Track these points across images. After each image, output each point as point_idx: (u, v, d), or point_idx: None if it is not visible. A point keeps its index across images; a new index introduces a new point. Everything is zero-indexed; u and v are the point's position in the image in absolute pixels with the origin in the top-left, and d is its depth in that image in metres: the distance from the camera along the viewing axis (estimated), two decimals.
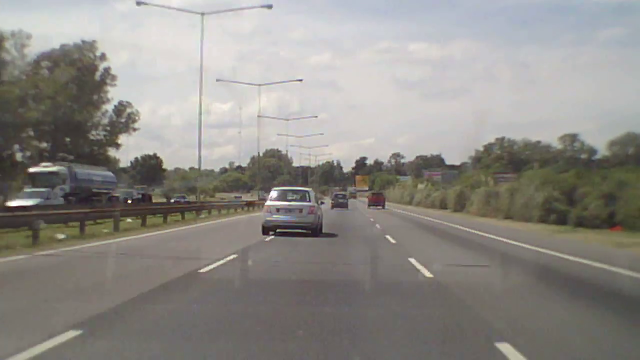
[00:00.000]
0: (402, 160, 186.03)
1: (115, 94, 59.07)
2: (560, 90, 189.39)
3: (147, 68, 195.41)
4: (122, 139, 59.60)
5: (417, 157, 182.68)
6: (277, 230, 19.47)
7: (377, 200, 60.92)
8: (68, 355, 5.06)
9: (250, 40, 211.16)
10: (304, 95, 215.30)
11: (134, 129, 59.35)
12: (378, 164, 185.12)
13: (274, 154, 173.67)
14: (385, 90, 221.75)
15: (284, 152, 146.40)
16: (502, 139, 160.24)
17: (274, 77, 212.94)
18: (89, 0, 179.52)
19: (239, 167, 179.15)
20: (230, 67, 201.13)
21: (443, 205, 46.61)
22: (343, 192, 70.86)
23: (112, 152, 59.44)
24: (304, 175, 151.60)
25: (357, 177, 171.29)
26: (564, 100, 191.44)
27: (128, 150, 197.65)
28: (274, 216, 19.53)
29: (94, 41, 57.38)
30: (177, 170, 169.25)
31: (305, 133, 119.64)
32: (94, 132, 58.44)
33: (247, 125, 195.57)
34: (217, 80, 59.83)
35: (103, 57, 57.80)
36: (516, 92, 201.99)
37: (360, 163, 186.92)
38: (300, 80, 57.66)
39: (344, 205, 52.39)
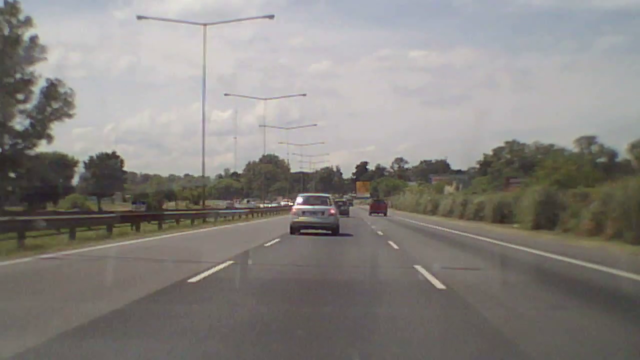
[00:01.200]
0: (406, 166, 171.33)
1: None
2: (560, 97, 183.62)
3: (146, 75, 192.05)
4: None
5: (422, 162, 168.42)
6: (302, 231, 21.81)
7: (378, 208, 61.55)
8: None
9: (249, 48, 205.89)
10: (304, 102, 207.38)
11: (69, 116, 43.17)
12: (380, 170, 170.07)
13: (270, 159, 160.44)
14: (385, 98, 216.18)
15: (281, 157, 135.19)
16: (512, 142, 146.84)
17: (273, 84, 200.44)
18: (87, 8, 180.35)
19: (235, 173, 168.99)
20: (230, 74, 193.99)
21: (497, 218, 30.30)
22: (343, 200, 70.81)
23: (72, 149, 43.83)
24: (300, 181, 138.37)
25: (358, 184, 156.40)
26: (564, 107, 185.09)
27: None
28: (300, 218, 22.45)
29: (15, 2, 41.93)
30: (174, 175, 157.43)
31: (306, 141, 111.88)
32: (19, 121, 42.86)
33: (246, 134, 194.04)
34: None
35: (28, 22, 42.40)
36: (516, 99, 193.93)
37: (362, 168, 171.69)
38: (272, 16, 41.38)
39: (345, 213, 49.88)
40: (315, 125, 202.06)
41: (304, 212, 22.29)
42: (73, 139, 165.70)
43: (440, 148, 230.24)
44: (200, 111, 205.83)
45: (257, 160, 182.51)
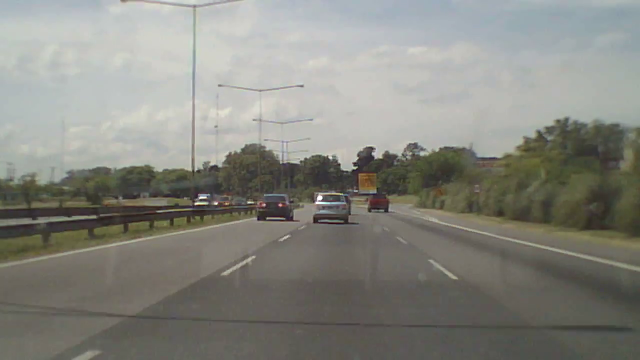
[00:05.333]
0: (421, 153, 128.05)
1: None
2: (560, 94, 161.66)
3: (142, 72, 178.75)
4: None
5: (442, 149, 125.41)
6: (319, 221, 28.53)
7: (378, 203, 56.75)
8: None
9: (247, 44, 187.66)
10: (302, 100, 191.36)
11: None
12: (389, 158, 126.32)
13: (254, 150, 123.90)
14: (384, 95, 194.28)
15: (268, 148, 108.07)
16: (565, 121, 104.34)
17: (271, 81, 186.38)
18: (83, 5, 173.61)
19: (214, 167, 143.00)
20: (227, 72, 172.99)
21: None
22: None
23: None
24: (288, 174, 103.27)
25: (361, 175, 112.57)
26: (564, 104, 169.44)
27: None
28: (321, 211, 29.27)
29: None
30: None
31: (300, 137, 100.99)
32: None
33: (245, 132, 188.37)
34: None
35: None
36: (516, 97, 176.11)
37: (366, 158, 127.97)
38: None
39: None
40: (311, 120, 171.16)
41: (323, 207, 29.39)
42: (70, 138, 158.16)
43: (440, 145, 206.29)
44: (197, 108, 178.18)
45: (238, 150, 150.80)
